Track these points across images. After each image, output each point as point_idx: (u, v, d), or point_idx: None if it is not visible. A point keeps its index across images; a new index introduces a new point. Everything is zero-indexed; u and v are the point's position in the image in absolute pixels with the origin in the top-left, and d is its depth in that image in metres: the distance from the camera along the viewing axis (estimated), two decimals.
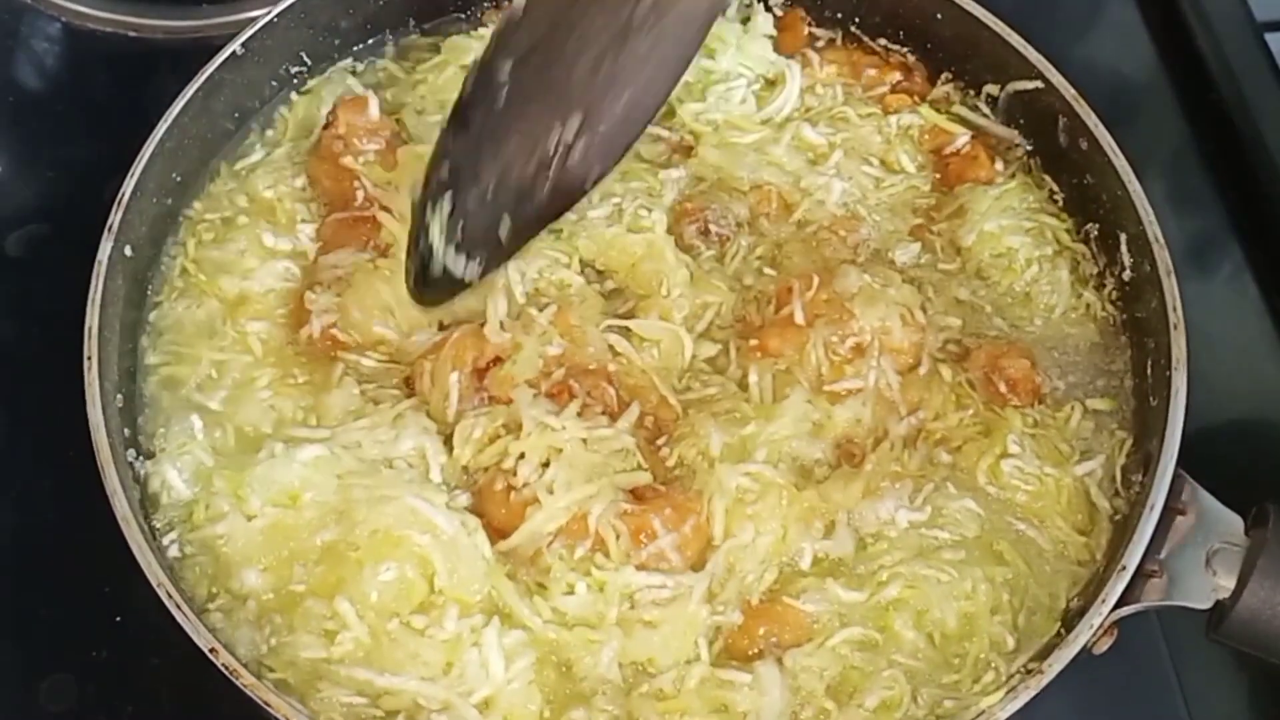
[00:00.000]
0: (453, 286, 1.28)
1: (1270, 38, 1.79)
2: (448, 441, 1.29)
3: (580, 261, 1.41)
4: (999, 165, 1.50)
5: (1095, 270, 1.43)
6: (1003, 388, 1.34)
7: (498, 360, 1.30)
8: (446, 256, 1.26)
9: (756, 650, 1.20)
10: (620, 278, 1.41)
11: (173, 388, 1.34)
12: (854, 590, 1.22)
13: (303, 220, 1.44)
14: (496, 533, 1.24)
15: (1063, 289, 1.42)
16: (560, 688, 1.19)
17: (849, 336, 1.33)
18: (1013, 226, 1.44)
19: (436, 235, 1.26)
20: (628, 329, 1.36)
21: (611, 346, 1.34)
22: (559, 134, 1.21)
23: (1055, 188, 1.48)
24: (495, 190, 1.24)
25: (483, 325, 1.32)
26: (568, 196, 1.26)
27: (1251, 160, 1.70)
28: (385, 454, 1.27)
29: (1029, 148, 1.51)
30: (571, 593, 1.21)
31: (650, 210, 1.42)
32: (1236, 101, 1.73)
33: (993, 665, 1.20)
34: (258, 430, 1.31)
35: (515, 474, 1.24)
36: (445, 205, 1.25)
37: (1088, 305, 1.42)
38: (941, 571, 1.22)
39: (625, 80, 1.22)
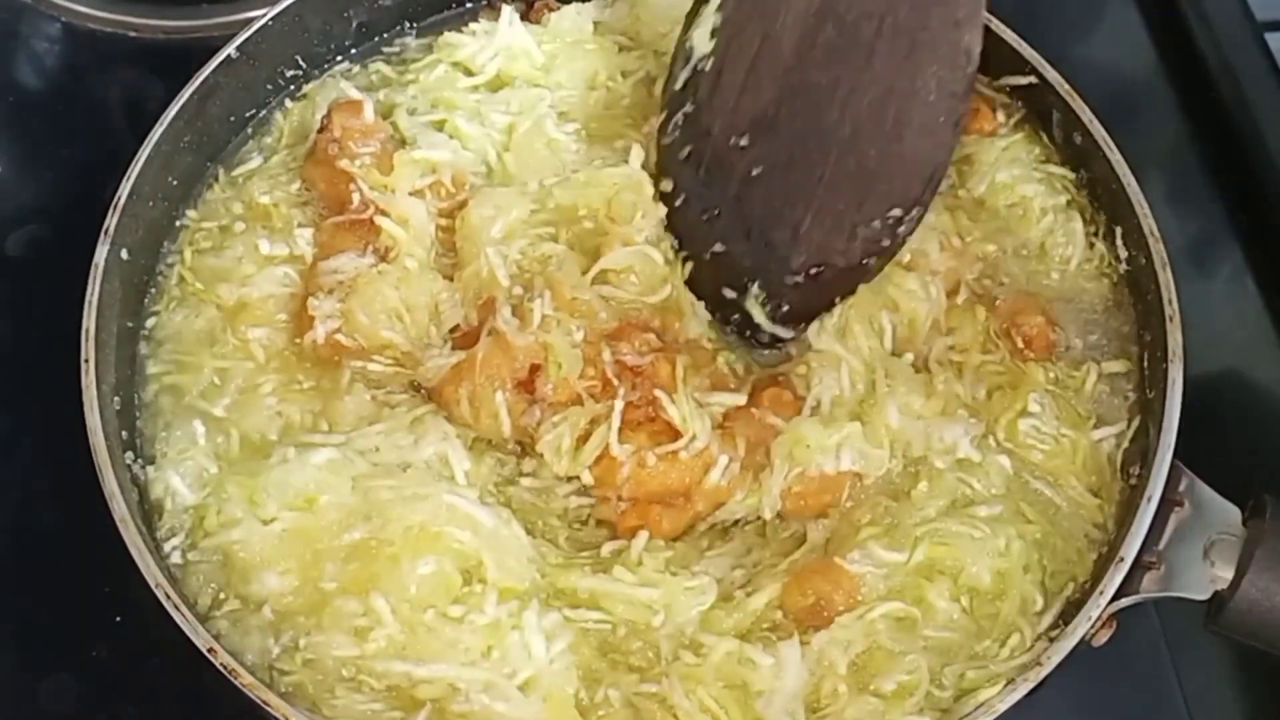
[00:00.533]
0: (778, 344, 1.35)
1: (1270, 38, 1.79)
2: (473, 446, 1.29)
3: (558, 209, 1.39)
4: (1000, 117, 1.49)
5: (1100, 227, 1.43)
6: (1020, 343, 1.34)
7: (535, 368, 1.28)
8: (773, 328, 1.33)
9: (811, 602, 1.20)
10: (599, 218, 1.38)
11: (175, 395, 1.34)
12: (895, 551, 1.21)
13: (299, 225, 1.43)
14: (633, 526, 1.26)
15: (1077, 240, 1.42)
16: (598, 665, 1.19)
17: None
18: (1024, 175, 1.44)
19: (760, 316, 1.31)
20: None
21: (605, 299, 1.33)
22: (877, 220, 1.24)
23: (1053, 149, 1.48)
24: (812, 274, 1.27)
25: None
26: (887, 259, 1.30)
27: (1251, 160, 1.70)
28: (404, 458, 1.27)
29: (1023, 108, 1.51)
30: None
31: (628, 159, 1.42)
32: (1236, 101, 1.73)
33: (1018, 628, 1.19)
34: (264, 437, 1.31)
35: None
36: (756, 291, 1.30)
37: (1101, 257, 1.41)
38: (974, 529, 1.22)
39: (925, 158, 1.23)
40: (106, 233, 1.32)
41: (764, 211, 1.27)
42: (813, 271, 1.28)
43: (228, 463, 1.29)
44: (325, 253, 1.39)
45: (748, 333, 1.35)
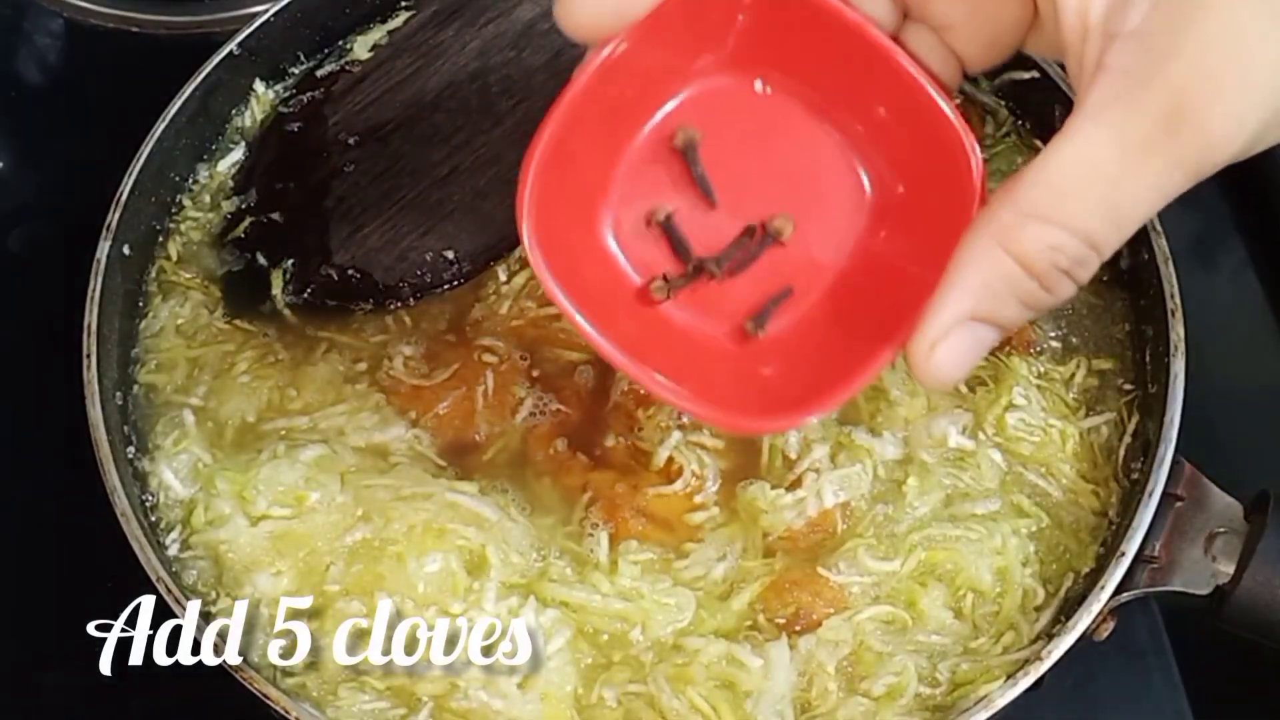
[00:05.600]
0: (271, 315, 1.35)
1: None
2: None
3: None
4: (989, 127, 1.47)
5: None
6: None
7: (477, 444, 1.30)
8: (279, 301, 1.35)
9: (791, 612, 1.19)
10: None
11: (159, 388, 1.34)
12: (885, 560, 1.21)
13: None
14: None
15: None
16: (595, 662, 1.19)
17: None
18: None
19: (278, 288, 1.35)
20: None
21: None
22: (430, 253, 1.32)
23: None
24: (351, 277, 1.33)
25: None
26: (423, 294, 1.33)
27: (1253, 158, 1.69)
28: (370, 440, 1.27)
29: (1017, 116, 1.49)
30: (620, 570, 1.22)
31: None
32: None
33: (1015, 625, 1.19)
34: (244, 419, 1.31)
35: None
36: (290, 267, 1.35)
37: None
38: (970, 530, 1.21)
39: (498, 222, 1.31)
40: (108, 229, 1.32)
41: (334, 205, 1.35)
42: (350, 273, 1.33)
43: (221, 450, 1.28)
44: None
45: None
